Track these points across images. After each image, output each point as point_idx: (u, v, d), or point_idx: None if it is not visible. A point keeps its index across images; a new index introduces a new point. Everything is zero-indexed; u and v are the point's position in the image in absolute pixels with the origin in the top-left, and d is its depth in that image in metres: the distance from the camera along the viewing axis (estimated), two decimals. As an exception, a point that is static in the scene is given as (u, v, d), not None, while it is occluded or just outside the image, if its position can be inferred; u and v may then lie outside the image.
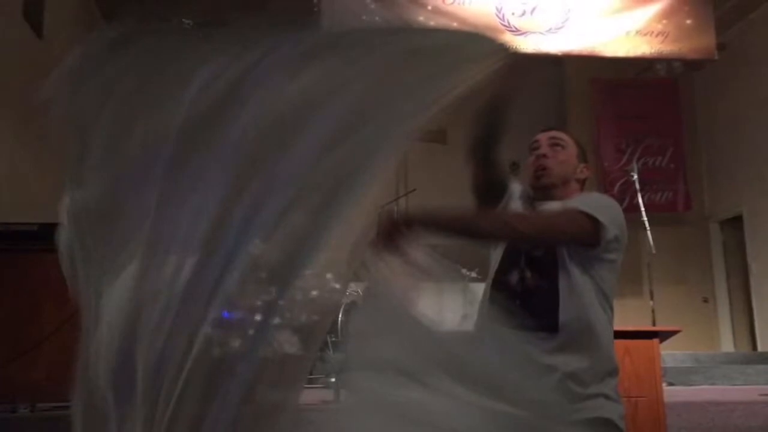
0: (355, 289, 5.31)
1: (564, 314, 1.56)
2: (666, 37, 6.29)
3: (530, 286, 1.62)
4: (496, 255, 1.72)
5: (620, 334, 2.06)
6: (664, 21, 6.31)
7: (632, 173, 5.57)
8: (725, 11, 6.70)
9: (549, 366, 1.52)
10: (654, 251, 5.21)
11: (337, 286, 1.26)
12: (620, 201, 2.33)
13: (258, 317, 1.12)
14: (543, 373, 1.50)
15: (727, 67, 6.95)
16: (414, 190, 6.06)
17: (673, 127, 8.03)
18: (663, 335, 2.95)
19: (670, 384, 4.35)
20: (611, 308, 1.63)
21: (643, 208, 5.25)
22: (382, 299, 1.33)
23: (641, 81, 7.74)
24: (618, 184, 7.19)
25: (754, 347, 7.10)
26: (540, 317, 1.56)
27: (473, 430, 1.13)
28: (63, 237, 1.12)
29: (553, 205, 1.69)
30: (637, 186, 5.41)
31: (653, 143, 7.89)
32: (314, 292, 1.21)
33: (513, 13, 6.16)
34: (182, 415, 1.04)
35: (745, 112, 7.24)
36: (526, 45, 6.13)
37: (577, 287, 1.57)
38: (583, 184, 1.79)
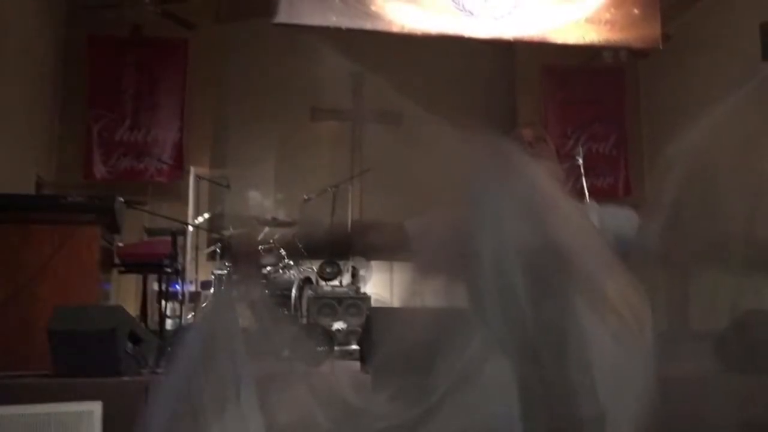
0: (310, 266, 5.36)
1: None
2: (613, 25, 6.47)
3: None
4: None
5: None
6: (612, 10, 6.48)
7: (578, 157, 5.72)
8: (671, 3, 6.91)
9: None
10: (596, 234, 5.38)
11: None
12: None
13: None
14: None
15: (670, 56, 7.18)
16: (368, 169, 6.12)
17: (617, 114, 8.27)
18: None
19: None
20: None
21: (587, 192, 5.41)
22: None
23: (589, 68, 7.93)
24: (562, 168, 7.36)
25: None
26: None
27: None
28: None
29: None
30: (582, 170, 5.58)
31: (598, 130, 8.12)
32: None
33: (468, -4, 6.23)
34: None
35: (685, 100, 7.49)
36: (480, 29, 6.22)
37: None
38: None
